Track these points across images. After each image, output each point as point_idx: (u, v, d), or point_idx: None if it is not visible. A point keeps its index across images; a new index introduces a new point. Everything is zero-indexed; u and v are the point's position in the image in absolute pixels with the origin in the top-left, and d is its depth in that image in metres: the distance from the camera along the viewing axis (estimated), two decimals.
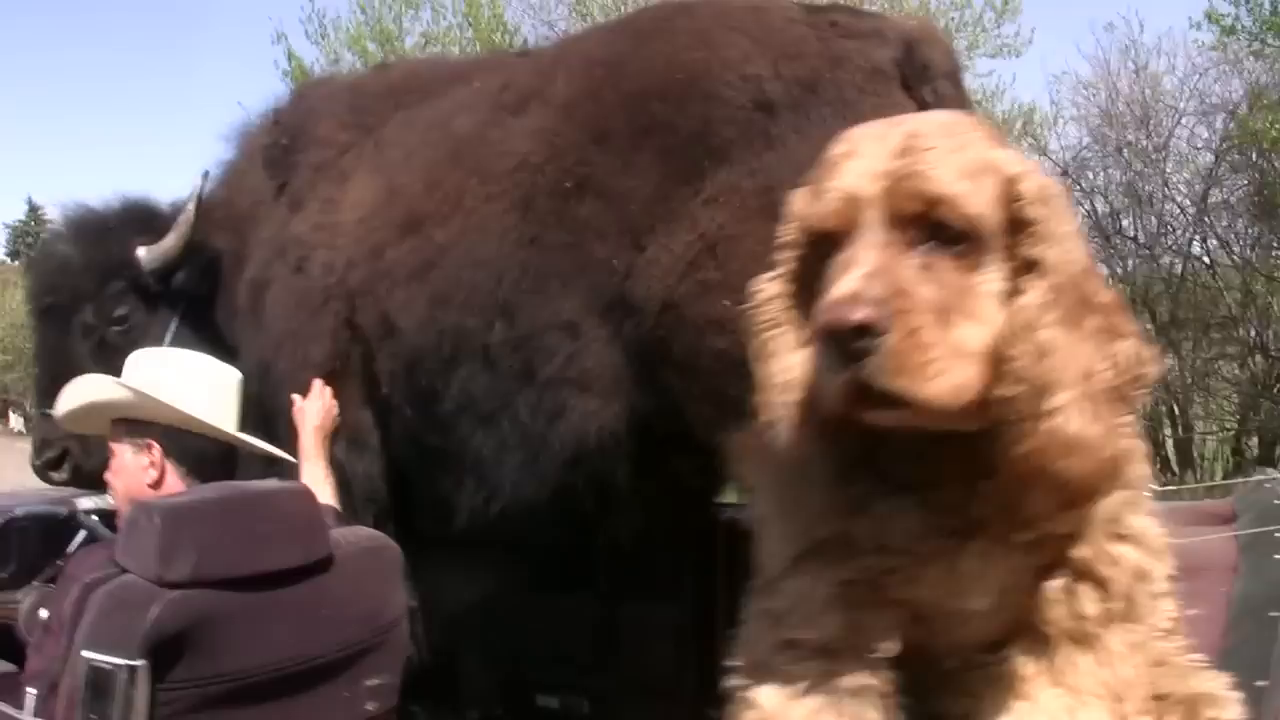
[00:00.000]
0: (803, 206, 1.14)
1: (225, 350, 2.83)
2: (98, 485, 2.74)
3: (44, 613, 2.48)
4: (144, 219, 2.87)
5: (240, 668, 1.63)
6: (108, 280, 2.79)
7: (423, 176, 2.39)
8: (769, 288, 1.19)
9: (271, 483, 1.96)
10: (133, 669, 1.49)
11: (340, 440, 2.47)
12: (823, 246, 1.08)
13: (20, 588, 2.51)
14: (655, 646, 2.74)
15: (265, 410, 2.52)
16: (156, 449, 2.01)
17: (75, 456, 2.82)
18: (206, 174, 2.79)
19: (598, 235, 2.14)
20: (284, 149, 2.78)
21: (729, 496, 2.57)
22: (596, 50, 2.30)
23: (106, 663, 1.50)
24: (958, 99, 2.12)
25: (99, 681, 1.50)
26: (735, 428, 2.06)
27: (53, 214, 2.90)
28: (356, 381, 2.53)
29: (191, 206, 2.73)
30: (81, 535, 2.57)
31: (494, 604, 2.82)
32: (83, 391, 2.16)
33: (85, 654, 1.53)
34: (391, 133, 2.59)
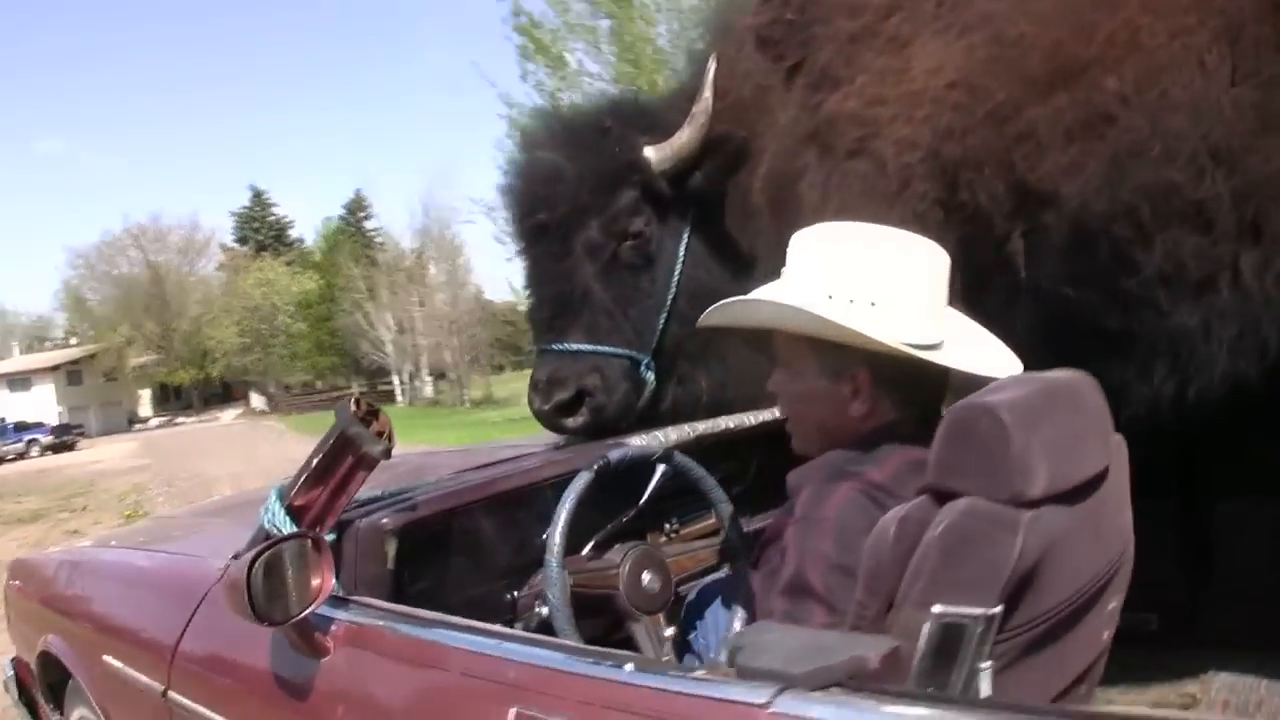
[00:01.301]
0: None
1: (742, 261, 2.49)
2: (616, 430, 2.34)
3: (647, 576, 1.97)
4: (642, 115, 2.51)
5: (1056, 602, 1.29)
6: (614, 189, 2.41)
7: (1062, 22, 2.06)
8: None
9: (1067, 371, 1.56)
10: (990, 618, 1.14)
11: None
12: None
13: (607, 546, 1.97)
14: (1253, 549, 2.47)
15: None
16: (864, 375, 1.51)
17: (597, 397, 2.39)
18: (716, 57, 2.44)
19: None
20: (790, 25, 2.43)
21: None
22: None
23: (961, 615, 1.14)
24: None
25: (947, 640, 1.14)
26: None
27: (529, 122, 2.39)
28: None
29: (709, 94, 2.38)
30: (657, 476, 2.04)
31: None
32: (743, 313, 1.60)
33: (935, 609, 1.16)
34: None
